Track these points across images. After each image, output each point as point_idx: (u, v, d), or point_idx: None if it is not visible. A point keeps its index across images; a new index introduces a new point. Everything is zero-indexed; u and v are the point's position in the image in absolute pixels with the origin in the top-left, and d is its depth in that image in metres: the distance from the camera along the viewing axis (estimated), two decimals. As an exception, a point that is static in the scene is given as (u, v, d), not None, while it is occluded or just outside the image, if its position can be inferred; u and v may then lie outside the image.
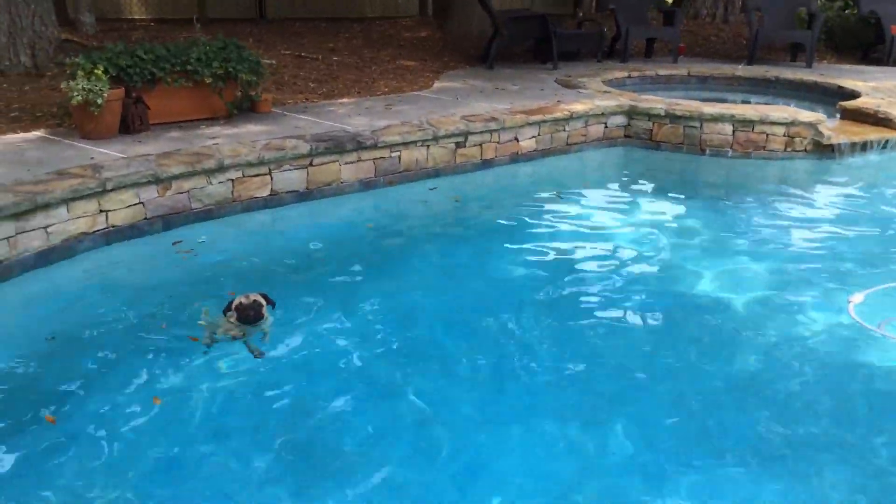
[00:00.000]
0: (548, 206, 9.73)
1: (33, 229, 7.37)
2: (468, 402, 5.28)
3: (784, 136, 11.67)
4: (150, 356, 5.85)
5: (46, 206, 7.40)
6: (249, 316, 6.11)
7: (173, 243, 8.08)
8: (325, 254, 8.07)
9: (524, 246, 8.28)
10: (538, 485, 4.41)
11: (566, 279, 7.39)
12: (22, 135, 9.57)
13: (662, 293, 7.09)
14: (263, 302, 6.25)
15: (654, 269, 7.67)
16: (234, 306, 6.21)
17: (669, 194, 10.31)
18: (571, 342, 6.15)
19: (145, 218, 8.35)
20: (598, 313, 6.73)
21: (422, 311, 6.78)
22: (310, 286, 7.21)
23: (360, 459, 4.62)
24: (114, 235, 8.09)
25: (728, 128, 11.77)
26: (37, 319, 6.45)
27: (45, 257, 7.50)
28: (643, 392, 5.45)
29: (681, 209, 9.73)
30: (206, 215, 8.81)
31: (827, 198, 10.30)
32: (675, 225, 9.05)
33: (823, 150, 11.67)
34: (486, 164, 11.26)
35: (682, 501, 4.28)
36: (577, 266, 7.82)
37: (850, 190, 10.69)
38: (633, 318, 6.65)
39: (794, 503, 4.35)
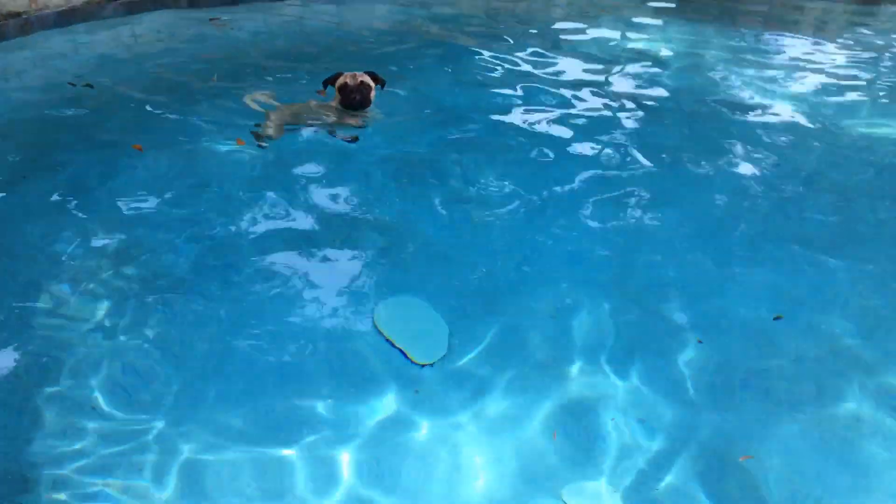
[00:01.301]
0: (580, 34, 9.17)
1: (54, -18, 6.66)
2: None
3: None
4: (216, 105, 5.37)
5: (68, -43, 6.66)
6: (354, 101, 4.96)
7: (210, 19, 7.43)
8: (373, 39, 7.50)
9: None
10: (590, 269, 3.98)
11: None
12: None
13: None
14: (371, 84, 5.03)
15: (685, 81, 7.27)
16: (337, 86, 5.00)
17: (707, 25, 9.74)
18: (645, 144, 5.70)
19: (169, -8, 7.64)
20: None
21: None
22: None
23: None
24: (136, 6, 7.38)
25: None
26: (68, 71, 5.85)
27: (66, 17, 6.81)
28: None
29: (718, 36, 9.21)
30: (233, -1, 8.12)
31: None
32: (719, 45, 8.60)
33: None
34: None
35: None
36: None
37: None
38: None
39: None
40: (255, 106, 5.27)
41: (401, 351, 2.92)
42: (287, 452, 2.51)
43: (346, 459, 2.51)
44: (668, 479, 2.51)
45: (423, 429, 2.64)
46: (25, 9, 6.42)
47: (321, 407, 2.70)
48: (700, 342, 3.12)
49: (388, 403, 2.73)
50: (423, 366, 2.87)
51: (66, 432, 2.52)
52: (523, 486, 2.45)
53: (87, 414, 2.60)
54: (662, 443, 2.64)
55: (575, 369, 2.96)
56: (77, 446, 2.48)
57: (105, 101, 5.34)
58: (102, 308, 3.13)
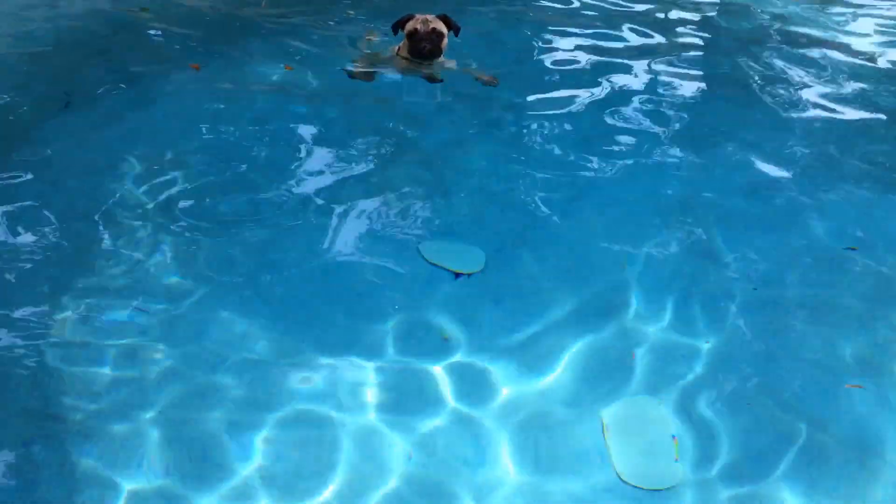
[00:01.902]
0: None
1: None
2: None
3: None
4: (265, 31, 5.56)
5: None
6: (424, 50, 4.48)
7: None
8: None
9: None
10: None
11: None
12: None
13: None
14: (444, 30, 4.54)
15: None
16: (406, 31, 4.54)
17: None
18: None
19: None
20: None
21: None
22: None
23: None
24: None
25: None
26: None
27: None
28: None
29: None
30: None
31: None
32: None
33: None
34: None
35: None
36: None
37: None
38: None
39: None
40: (371, 39, 5.28)
41: (443, 268, 3.05)
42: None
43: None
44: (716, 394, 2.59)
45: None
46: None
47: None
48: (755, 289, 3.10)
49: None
50: (461, 274, 3.01)
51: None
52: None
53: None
54: (710, 362, 2.72)
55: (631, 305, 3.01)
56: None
57: (158, 27, 5.52)
58: (148, 233, 3.23)
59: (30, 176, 3.51)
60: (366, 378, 2.59)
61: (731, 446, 2.41)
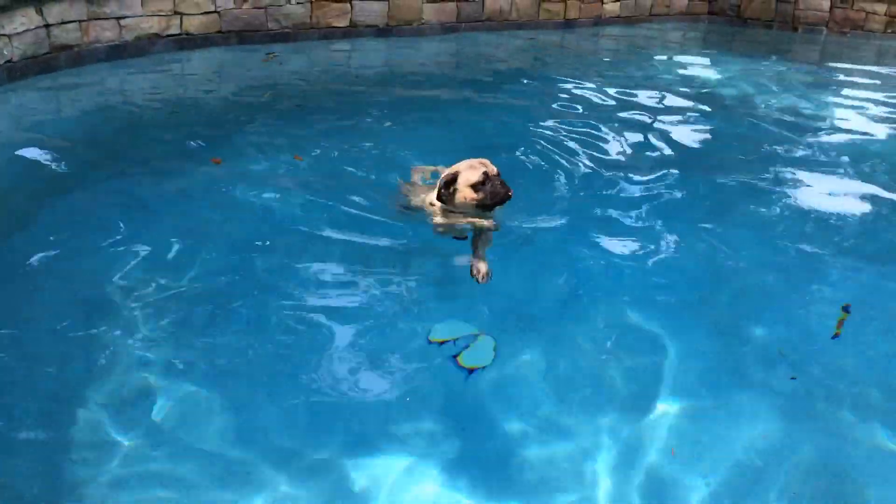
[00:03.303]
0: (630, 71, 8.86)
1: (106, 18, 6.59)
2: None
3: (885, 15, 10.90)
4: (274, 123, 5.33)
5: (121, -8, 6.62)
6: (507, 192, 3.45)
7: (267, 53, 7.40)
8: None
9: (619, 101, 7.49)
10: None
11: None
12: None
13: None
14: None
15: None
16: (472, 183, 3.41)
17: (760, 61, 9.34)
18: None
19: (220, 31, 7.56)
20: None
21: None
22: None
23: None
24: (187, 43, 7.30)
25: (825, 3, 10.99)
26: (124, 101, 5.75)
27: (118, 52, 6.73)
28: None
29: (771, 71, 8.79)
30: (283, 37, 8.03)
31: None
32: (771, 83, 8.20)
33: (924, 32, 10.92)
34: (569, 24, 10.47)
35: None
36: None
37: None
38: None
39: None
40: (417, 179, 4.20)
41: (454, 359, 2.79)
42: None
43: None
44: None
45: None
46: (77, 42, 6.35)
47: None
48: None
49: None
50: (470, 371, 2.73)
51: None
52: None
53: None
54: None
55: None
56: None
57: (168, 125, 5.29)
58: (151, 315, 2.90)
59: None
60: None
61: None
